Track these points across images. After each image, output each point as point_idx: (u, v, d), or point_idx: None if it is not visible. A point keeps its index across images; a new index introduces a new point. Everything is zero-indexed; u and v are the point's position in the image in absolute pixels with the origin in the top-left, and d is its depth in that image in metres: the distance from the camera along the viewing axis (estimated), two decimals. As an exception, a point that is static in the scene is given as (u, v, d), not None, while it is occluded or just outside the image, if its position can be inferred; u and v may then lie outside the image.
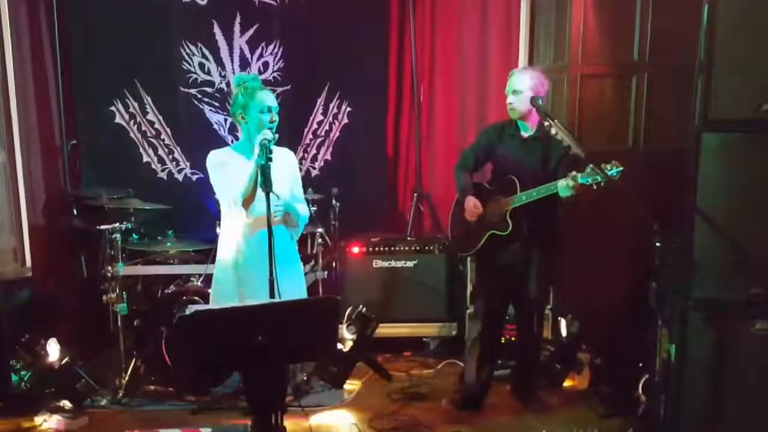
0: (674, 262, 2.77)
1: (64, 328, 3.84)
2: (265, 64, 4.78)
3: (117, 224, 3.66)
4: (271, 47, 4.77)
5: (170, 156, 4.78)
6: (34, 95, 4.35)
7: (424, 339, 4.44)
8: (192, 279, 3.87)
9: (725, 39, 2.57)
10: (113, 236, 3.63)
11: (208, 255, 3.58)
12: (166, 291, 3.90)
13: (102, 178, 4.51)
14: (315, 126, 4.96)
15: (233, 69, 4.72)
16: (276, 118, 2.74)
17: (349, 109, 4.97)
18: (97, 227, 3.74)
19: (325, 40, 4.80)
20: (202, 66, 4.70)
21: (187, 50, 4.65)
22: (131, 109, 4.67)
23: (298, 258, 2.97)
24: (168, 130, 4.75)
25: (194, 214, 4.09)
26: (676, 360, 2.78)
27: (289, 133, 4.57)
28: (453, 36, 4.88)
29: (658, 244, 2.73)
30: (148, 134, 4.72)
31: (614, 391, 3.52)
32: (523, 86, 3.19)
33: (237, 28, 4.70)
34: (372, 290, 4.31)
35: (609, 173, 2.84)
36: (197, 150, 4.42)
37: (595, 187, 2.90)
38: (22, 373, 3.62)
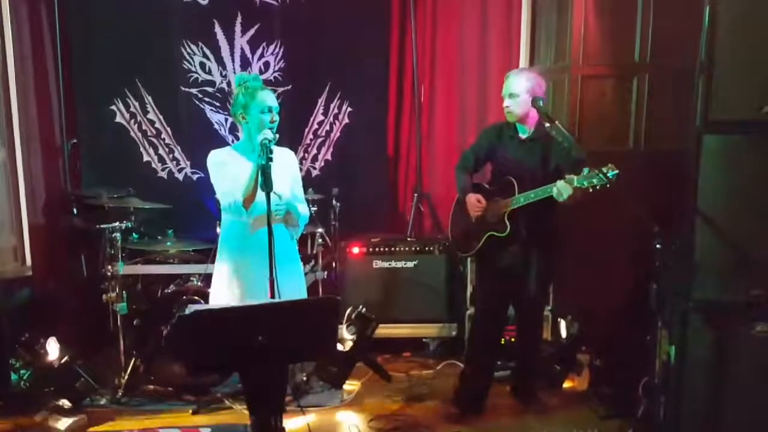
0: (674, 264, 2.77)
1: (64, 327, 3.83)
2: (266, 64, 4.78)
3: (117, 223, 3.66)
4: (272, 47, 4.77)
5: (170, 155, 4.78)
6: (35, 94, 4.35)
7: (423, 339, 4.44)
8: (192, 279, 3.87)
9: (726, 41, 2.57)
10: (113, 235, 3.64)
11: (208, 255, 3.58)
12: (165, 290, 3.90)
13: (102, 177, 4.51)
14: (315, 126, 4.96)
15: (234, 69, 4.72)
16: (277, 118, 2.74)
17: (349, 109, 4.97)
18: (97, 226, 3.75)
19: (326, 40, 4.80)
20: (203, 65, 4.70)
21: (188, 50, 4.65)
22: (132, 109, 4.67)
23: (298, 258, 2.97)
24: (168, 129, 4.75)
25: (194, 214, 4.09)
26: (676, 361, 2.78)
27: (290, 133, 4.57)
28: (454, 36, 4.88)
29: (658, 245, 2.74)
30: (149, 133, 4.72)
31: (614, 392, 3.52)
32: (520, 89, 3.18)
33: (238, 28, 4.70)
34: (372, 291, 4.31)
35: (605, 176, 2.83)
36: (198, 149, 4.43)
37: (591, 190, 2.90)
38: (22, 372, 3.62)
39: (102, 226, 3.70)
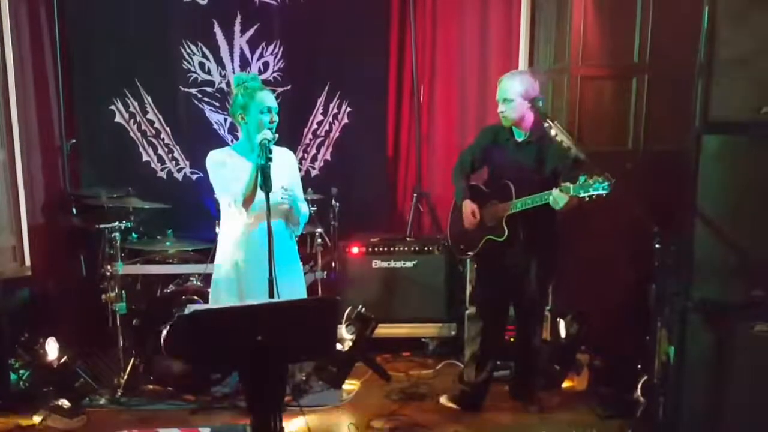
0: (674, 264, 2.77)
1: (63, 327, 3.83)
2: (266, 64, 4.78)
3: (116, 223, 3.66)
4: (271, 47, 4.76)
5: (170, 155, 4.78)
6: (34, 94, 4.35)
7: (423, 339, 4.44)
8: (191, 278, 3.87)
9: (725, 41, 2.57)
10: (112, 235, 3.64)
11: (207, 254, 3.58)
12: (165, 290, 3.90)
13: (102, 178, 4.51)
14: (315, 126, 4.96)
15: (233, 69, 4.72)
16: (276, 118, 2.74)
17: (349, 109, 4.97)
18: (97, 226, 3.75)
19: (325, 40, 4.79)
20: (202, 66, 4.70)
21: (188, 50, 4.65)
22: (131, 109, 4.67)
23: (298, 258, 2.97)
24: (168, 129, 4.75)
25: (194, 214, 4.09)
26: (675, 361, 2.79)
27: (289, 133, 4.56)
28: (453, 36, 4.88)
29: (657, 245, 2.74)
30: (148, 133, 4.73)
31: (613, 392, 3.52)
32: (514, 94, 3.18)
33: (237, 28, 4.70)
34: (371, 290, 4.31)
35: (599, 187, 2.82)
36: (197, 149, 4.42)
37: (587, 200, 2.88)
38: (21, 372, 3.63)
39: (101, 226, 3.70)
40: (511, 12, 4.63)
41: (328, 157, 5.01)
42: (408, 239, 4.54)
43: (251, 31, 4.71)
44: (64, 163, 4.56)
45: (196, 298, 3.63)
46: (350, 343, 3.69)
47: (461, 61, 4.87)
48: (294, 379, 3.60)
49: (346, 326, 3.84)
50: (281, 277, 2.43)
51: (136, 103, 4.66)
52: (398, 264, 4.38)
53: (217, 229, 3.29)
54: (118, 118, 4.66)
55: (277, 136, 2.63)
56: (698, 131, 2.65)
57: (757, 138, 2.60)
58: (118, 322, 3.66)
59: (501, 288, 3.43)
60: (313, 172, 5.00)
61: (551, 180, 3.10)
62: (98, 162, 4.66)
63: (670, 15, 3.70)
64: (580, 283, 3.92)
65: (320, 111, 4.94)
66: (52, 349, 3.68)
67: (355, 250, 4.38)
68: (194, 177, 4.77)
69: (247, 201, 2.65)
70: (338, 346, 3.65)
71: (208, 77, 4.72)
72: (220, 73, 4.73)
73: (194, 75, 4.69)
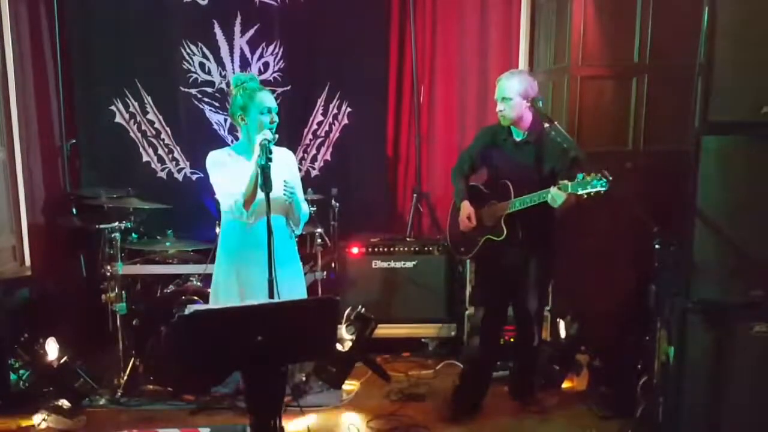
0: (674, 264, 2.77)
1: (63, 327, 3.83)
2: (266, 65, 4.78)
3: (116, 223, 3.66)
4: (271, 47, 4.76)
5: (170, 156, 4.78)
6: (34, 94, 4.35)
7: (422, 340, 4.44)
8: (191, 279, 3.87)
9: (725, 41, 2.57)
10: (113, 235, 3.64)
11: (207, 255, 3.57)
12: (165, 291, 3.90)
13: (102, 178, 4.51)
14: (315, 126, 4.96)
15: (233, 69, 4.71)
16: (276, 118, 2.74)
17: (349, 109, 4.96)
18: (97, 226, 3.75)
19: (325, 40, 4.79)
20: (202, 66, 4.70)
21: (188, 50, 4.65)
22: (131, 109, 4.67)
23: (298, 258, 2.97)
24: (168, 129, 4.75)
25: (194, 214, 4.09)
26: (674, 361, 2.79)
27: (289, 134, 4.56)
28: (453, 36, 4.88)
29: (657, 245, 2.74)
30: (148, 134, 4.73)
31: (613, 393, 3.52)
32: (512, 92, 3.17)
33: (237, 28, 4.70)
34: (371, 291, 4.31)
35: (597, 184, 2.83)
36: (197, 150, 4.43)
37: (585, 197, 2.89)
38: (21, 372, 3.62)
39: (101, 226, 3.70)
40: (511, 12, 4.62)
41: (328, 157, 5.01)
42: (408, 239, 4.54)
43: (251, 32, 4.71)
44: (64, 163, 4.57)
45: (196, 298, 3.63)
46: (350, 344, 3.70)
47: (461, 61, 4.87)
48: (294, 379, 3.60)
49: (346, 326, 3.86)
50: (281, 277, 2.43)
51: (136, 104, 4.66)
52: (398, 264, 4.37)
53: (217, 230, 3.29)
54: (118, 119, 4.66)
55: (277, 136, 2.63)
56: (698, 131, 2.65)
57: (757, 138, 2.60)
58: (118, 322, 3.66)
59: (500, 288, 3.43)
60: (313, 173, 5.00)
61: (550, 179, 3.10)
62: (98, 162, 4.66)
63: (670, 15, 3.70)
64: (580, 284, 3.92)
65: (320, 111, 4.94)
66: (52, 349, 3.68)
67: (355, 250, 4.38)
68: (194, 177, 4.77)
69: (248, 201, 2.65)
70: (338, 346, 3.66)
71: (208, 77, 4.72)
72: (221, 74, 4.73)
73: (194, 75, 4.69)
